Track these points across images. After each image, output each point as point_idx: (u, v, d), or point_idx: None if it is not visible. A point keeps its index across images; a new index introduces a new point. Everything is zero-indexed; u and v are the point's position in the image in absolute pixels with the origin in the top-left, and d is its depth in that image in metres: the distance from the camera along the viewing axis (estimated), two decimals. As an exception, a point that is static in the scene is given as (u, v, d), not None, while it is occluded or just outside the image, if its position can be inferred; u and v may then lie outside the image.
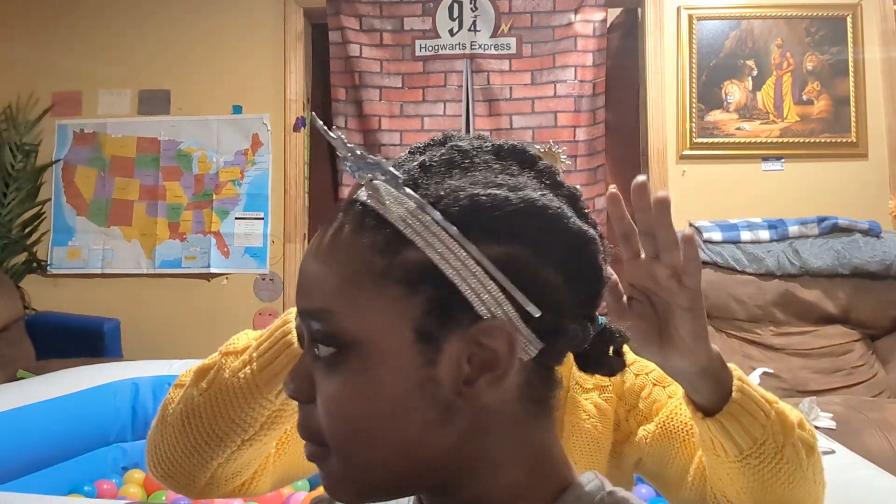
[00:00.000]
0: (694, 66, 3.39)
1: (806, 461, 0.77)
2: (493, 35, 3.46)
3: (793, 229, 3.07)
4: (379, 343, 0.46)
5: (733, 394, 0.72)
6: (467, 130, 3.45)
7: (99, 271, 3.59)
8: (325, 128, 0.51)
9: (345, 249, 0.47)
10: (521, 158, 0.51)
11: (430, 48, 3.47)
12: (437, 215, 0.46)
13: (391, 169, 0.47)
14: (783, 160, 3.39)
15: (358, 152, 0.48)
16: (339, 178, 3.52)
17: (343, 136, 0.49)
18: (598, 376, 0.88)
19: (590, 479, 0.50)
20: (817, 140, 3.36)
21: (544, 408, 0.51)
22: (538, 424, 0.50)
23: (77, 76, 3.64)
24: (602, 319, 0.54)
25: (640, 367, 1.00)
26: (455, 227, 0.45)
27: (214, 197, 3.57)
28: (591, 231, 0.50)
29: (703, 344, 0.68)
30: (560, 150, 0.54)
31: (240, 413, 0.75)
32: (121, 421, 2.40)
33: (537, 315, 0.46)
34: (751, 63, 3.40)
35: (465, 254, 0.45)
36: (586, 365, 0.55)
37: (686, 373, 0.71)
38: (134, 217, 3.60)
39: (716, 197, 3.34)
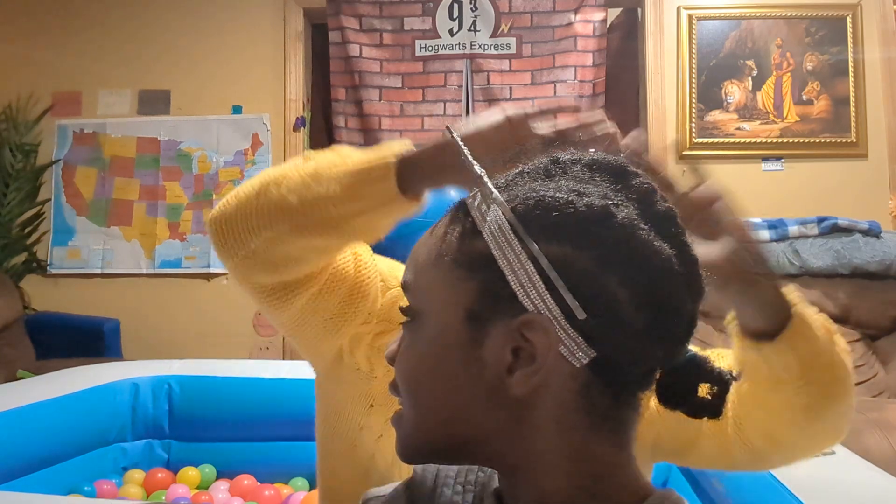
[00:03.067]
0: (694, 66, 3.39)
1: (850, 398, 0.80)
2: (493, 35, 3.46)
3: (793, 229, 3.07)
4: (436, 317, 0.52)
5: (794, 318, 0.74)
6: (467, 130, 3.45)
7: (99, 271, 3.59)
8: (462, 143, 0.58)
9: (437, 234, 0.54)
10: (614, 172, 0.52)
11: (430, 48, 3.47)
12: (497, 209, 0.50)
13: (477, 169, 0.53)
14: (783, 160, 3.39)
15: (472, 159, 0.54)
16: (339, 178, 3.52)
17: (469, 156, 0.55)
18: None
19: (667, 496, 0.50)
20: (817, 140, 3.36)
21: (610, 424, 0.50)
22: (600, 438, 0.50)
23: (77, 76, 3.64)
24: (693, 351, 0.52)
25: None
26: (515, 221, 0.49)
27: (214, 197, 3.56)
28: (666, 249, 0.49)
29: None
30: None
31: (313, 198, 0.78)
32: (121, 421, 2.40)
33: (582, 317, 0.47)
34: (751, 63, 3.40)
35: (519, 247, 0.48)
36: (665, 397, 0.53)
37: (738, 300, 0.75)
38: (134, 217, 3.60)
39: (716, 197, 3.34)
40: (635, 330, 0.48)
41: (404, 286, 0.55)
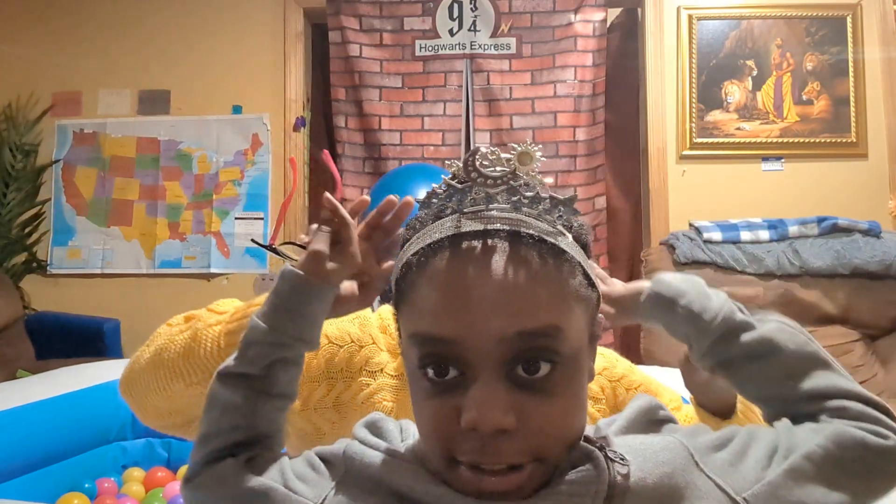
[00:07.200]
0: (694, 66, 3.39)
1: None
2: (493, 35, 3.45)
3: (793, 229, 3.07)
4: (582, 351, 0.55)
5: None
6: (467, 130, 3.45)
7: (99, 271, 3.59)
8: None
9: (550, 274, 0.54)
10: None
11: (430, 48, 3.47)
12: (570, 239, 0.58)
13: (561, 198, 0.57)
14: (783, 160, 3.39)
15: (527, 191, 0.56)
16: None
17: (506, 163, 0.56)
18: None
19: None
20: (817, 140, 3.36)
21: None
22: None
23: (77, 76, 3.64)
24: None
25: (629, 382, 0.95)
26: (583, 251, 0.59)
27: (214, 197, 3.56)
28: None
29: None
30: (536, 149, 0.54)
31: (194, 358, 0.85)
32: (121, 420, 2.40)
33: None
34: (751, 63, 3.40)
35: (593, 274, 0.58)
36: None
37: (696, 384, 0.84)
38: (134, 217, 3.60)
39: (716, 197, 3.34)
40: None
41: (540, 333, 0.52)
